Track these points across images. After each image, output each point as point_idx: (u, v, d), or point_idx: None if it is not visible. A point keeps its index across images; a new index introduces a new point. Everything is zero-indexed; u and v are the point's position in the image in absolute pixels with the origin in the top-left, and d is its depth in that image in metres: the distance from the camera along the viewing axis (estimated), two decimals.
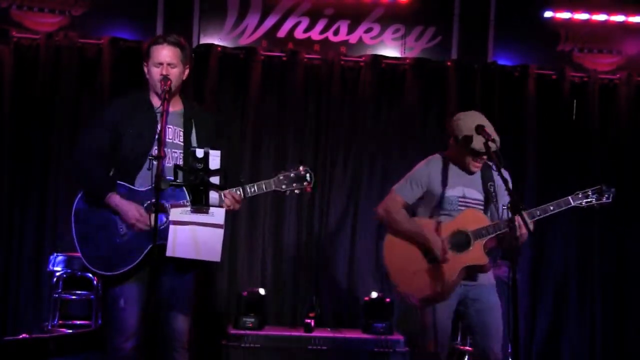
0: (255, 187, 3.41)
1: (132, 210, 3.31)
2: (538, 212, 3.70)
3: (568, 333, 6.10)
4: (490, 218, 3.77)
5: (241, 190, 3.38)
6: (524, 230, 3.52)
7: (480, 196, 3.82)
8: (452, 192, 3.79)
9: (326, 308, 5.91)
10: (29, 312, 5.64)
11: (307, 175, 3.44)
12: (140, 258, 3.31)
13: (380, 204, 3.94)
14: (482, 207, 3.81)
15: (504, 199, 3.72)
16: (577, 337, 6.09)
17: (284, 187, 3.42)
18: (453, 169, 3.84)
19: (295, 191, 3.46)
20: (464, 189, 3.81)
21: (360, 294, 5.84)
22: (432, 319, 3.70)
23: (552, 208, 3.71)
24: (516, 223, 3.44)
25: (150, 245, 3.27)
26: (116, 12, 6.10)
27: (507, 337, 3.89)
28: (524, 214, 3.47)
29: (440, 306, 3.70)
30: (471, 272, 3.74)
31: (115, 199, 3.33)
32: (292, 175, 3.43)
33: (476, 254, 3.68)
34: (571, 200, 3.74)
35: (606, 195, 3.76)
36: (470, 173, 3.82)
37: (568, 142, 6.23)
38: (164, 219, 3.31)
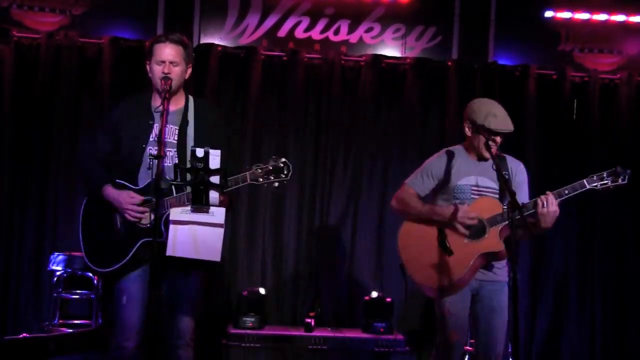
0: (232, 181, 3.30)
1: (122, 196, 3.34)
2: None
3: (568, 333, 6.09)
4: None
5: None
6: (553, 208, 3.57)
7: (494, 185, 3.80)
8: (465, 181, 3.79)
9: (326, 307, 5.91)
10: (29, 312, 5.65)
11: (285, 167, 3.30)
12: (130, 254, 3.34)
13: (393, 197, 3.96)
14: (496, 196, 3.79)
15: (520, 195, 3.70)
16: (577, 337, 6.09)
17: (260, 180, 3.29)
18: (466, 159, 3.85)
19: (274, 184, 3.32)
20: (477, 177, 3.80)
21: (360, 293, 5.84)
22: (450, 309, 3.70)
23: (567, 192, 3.68)
24: (542, 201, 3.55)
25: (141, 241, 3.32)
26: (117, 12, 6.11)
27: (507, 336, 3.88)
28: (550, 193, 3.59)
29: (456, 296, 3.70)
30: (488, 261, 3.72)
31: (109, 190, 3.39)
32: (269, 167, 3.30)
33: (491, 240, 3.65)
34: (586, 183, 3.70)
35: (622, 177, 3.70)
36: (484, 159, 3.81)
37: (568, 142, 6.23)
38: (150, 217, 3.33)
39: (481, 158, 3.83)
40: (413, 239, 3.81)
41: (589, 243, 6.17)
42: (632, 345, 6.09)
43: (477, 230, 3.69)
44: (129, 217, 3.35)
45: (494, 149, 3.71)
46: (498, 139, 3.75)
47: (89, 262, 3.45)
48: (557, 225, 5.88)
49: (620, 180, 3.70)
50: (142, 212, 3.34)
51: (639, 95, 6.33)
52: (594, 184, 3.70)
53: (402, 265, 3.85)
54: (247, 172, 3.30)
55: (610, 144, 6.25)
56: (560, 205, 3.67)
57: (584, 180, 3.71)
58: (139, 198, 3.34)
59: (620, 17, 6.45)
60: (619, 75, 6.36)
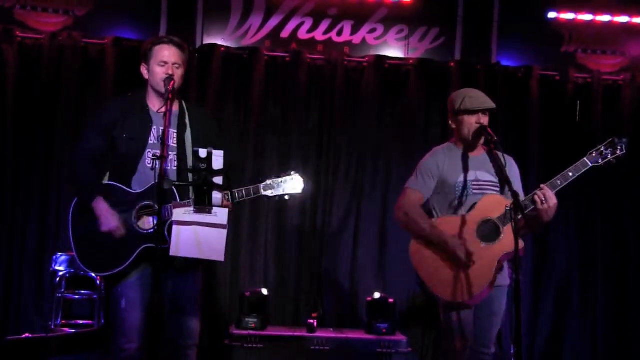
0: (244, 192, 3.39)
1: (110, 224, 3.33)
2: (559, 182, 3.61)
3: (570, 333, 6.08)
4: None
5: (229, 194, 3.36)
6: (552, 202, 3.51)
7: (493, 178, 3.75)
8: (464, 177, 3.73)
9: (329, 308, 5.91)
10: (31, 312, 5.64)
11: (296, 180, 3.40)
12: (131, 259, 3.33)
13: (397, 205, 3.84)
14: (497, 190, 3.75)
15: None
16: (579, 338, 6.08)
17: (272, 192, 3.39)
18: (459, 154, 3.80)
19: (285, 197, 3.41)
20: (476, 172, 3.76)
21: (363, 294, 5.83)
22: (458, 318, 3.65)
23: (571, 174, 3.63)
24: (540, 197, 3.48)
25: (142, 247, 3.32)
26: (120, 13, 6.11)
27: (510, 338, 3.87)
28: (545, 186, 3.53)
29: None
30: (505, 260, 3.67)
31: (99, 205, 3.36)
32: (280, 180, 3.39)
33: (510, 240, 3.49)
34: (587, 161, 3.66)
35: (619, 147, 3.68)
36: (476, 148, 3.77)
37: (571, 143, 6.21)
38: (151, 223, 3.32)
39: (473, 147, 3.77)
40: (427, 255, 3.69)
41: (592, 243, 6.17)
42: (635, 346, 6.08)
43: (491, 232, 3.62)
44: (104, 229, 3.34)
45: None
46: (483, 119, 3.72)
47: (83, 266, 3.42)
48: (558, 225, 5.99)
49: (619, 151, 3.69)
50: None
51: None
52: (595, 161, 3.67)
53: (421, 283, 3.71)
54: (259, 185, 3.38)
55: None
56: (560, 202, 3.63)
57: (585, 159, 3.68)
58: (121, 233, 3.34)
59: (623, 19, 6.45)
60: (622, 77, 6.36)
